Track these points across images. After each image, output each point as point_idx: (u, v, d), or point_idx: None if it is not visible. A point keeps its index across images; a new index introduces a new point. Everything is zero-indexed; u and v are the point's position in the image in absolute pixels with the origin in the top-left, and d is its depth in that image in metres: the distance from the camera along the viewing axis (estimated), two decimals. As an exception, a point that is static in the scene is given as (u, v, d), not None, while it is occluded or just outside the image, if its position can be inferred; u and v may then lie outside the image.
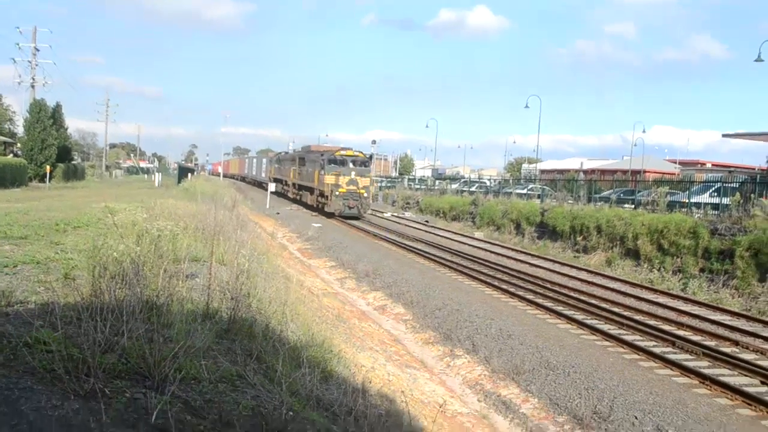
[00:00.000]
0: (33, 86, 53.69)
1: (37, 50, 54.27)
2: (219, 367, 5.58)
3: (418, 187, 63.12)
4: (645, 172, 61.03)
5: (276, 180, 59.05)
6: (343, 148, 42.22)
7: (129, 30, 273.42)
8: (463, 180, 61.98)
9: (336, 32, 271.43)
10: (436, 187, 57.58)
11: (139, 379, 4.92)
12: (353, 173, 39.00)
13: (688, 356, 13.03)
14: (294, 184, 51.61)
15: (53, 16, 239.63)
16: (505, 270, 22.84)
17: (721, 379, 11.51)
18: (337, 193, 38.57)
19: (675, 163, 79.51)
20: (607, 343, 13.99)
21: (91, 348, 4.79)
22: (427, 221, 42.30)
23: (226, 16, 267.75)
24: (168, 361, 4.97)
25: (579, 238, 28.88)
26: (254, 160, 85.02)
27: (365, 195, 39.60)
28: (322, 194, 40.62)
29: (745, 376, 11.94)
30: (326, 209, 39.83)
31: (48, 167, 48.13)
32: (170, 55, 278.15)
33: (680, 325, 15.60)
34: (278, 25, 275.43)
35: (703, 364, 12.51)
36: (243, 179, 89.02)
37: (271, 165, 65.63)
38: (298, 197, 50.11)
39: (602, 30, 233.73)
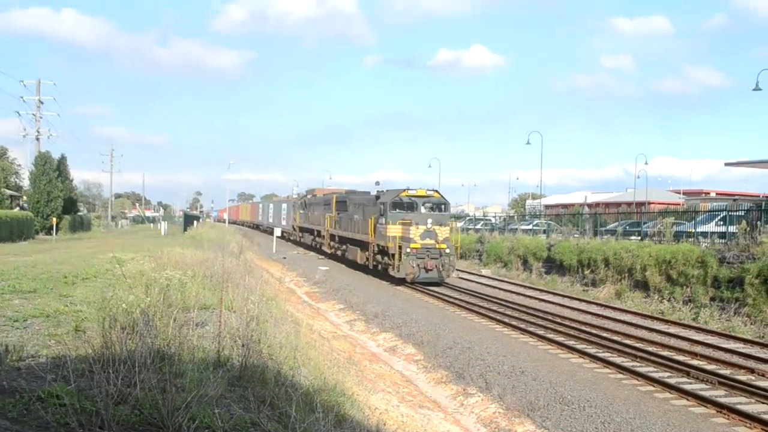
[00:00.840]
0: (38, 139, 53.97)
1: (41, 103, 54.65)
2: (233, 415, 5.56)
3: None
4: (649, 203, 61.13)
5: (304, 230, 50.23)
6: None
7: (132, 81, 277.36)
8: (468, 218, 61.91)
9: (338, 74, 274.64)
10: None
11: (153, 430, 4.91)
12: (429, 221, 28.15)
13: (703, 386, 12.89)
14: (333, 236, 39.53)
15: (56, 69, 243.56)
16: (514, 306, 22.74)
17: (739, 407, 11.38)
18: (408, 250, 27.53)
19: (679, 193, 79.42)
20: (621, 376, 13.85)
21: (104, 400, 4.79)
22: (433, 260, 42.07)
23: (229, 64, 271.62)
24: (182, 411, 4.96)
25: (587, 272, 28.78)
26: (270, 205, 73.55)
27: (447, 251, 28.12)
28: (383, 252, 29.81)
29: (763, 403, 11.81)
30: (392, 273, 28.60)
31: (54, 219, 48.36)
32: (173, 103, 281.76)
33: (694, 354, 15.46)
34: (280, 69, 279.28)
35: (719, 393, 12.38)
36: (257, 227, 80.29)
37: (295, 210, 54.30)
38: (340, 253, 38.34)
39: (600, 64, 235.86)
